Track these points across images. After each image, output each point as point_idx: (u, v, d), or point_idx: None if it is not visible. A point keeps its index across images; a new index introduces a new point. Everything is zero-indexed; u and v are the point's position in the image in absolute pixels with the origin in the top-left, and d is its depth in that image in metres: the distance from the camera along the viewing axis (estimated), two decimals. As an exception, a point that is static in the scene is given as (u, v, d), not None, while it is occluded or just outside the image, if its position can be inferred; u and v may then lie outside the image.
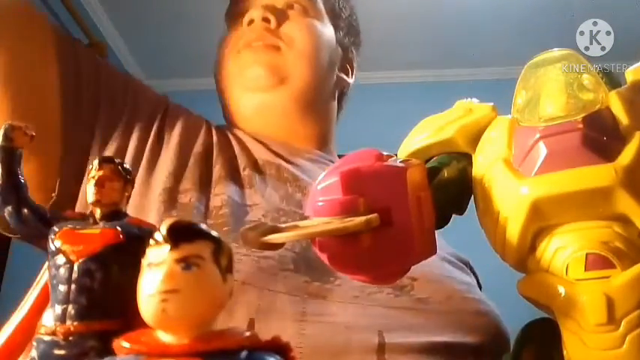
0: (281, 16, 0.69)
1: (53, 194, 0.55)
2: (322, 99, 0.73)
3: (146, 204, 0.56)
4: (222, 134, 0.68)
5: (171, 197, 0.56)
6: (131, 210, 0.30)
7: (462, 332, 0.51)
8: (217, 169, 0.61)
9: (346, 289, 0.51)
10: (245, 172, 0.61)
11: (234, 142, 0.66)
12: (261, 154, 0.65)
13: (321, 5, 0.74)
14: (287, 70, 0.68)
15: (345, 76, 0.79)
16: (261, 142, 0.67)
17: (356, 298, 0.50)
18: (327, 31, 0.73)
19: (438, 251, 0.34)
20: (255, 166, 0.63)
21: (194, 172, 0.59)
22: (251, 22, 0.69)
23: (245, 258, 0.50)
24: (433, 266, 0.56)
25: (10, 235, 0.29)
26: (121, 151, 0.61)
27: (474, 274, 0.66)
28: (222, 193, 0.57)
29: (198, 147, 0.63)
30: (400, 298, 0.52)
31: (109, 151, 0.61)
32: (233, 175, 0.61)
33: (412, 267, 0.55)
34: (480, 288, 0.64)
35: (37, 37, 0.60)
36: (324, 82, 0.72)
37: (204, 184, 0.59)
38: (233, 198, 0.57)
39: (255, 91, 0.68)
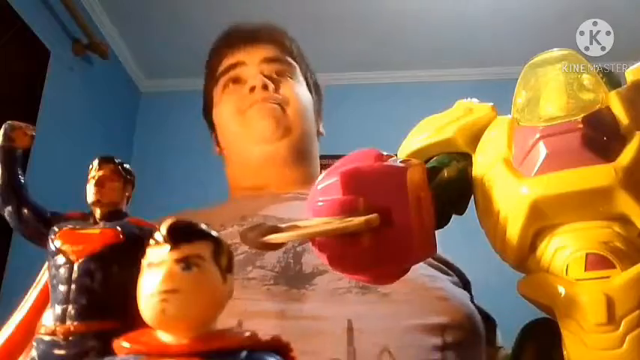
0: (276, 82, 0.85)
1: None
2: (313, 147, 0.89)
3: None
4: None
5: None
6: None
7: (428, 314, 0.56)
8: None
9: (320, 292, 0.58)
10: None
11: None
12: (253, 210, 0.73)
13: (299, 72, 0.91)
14: (288, 124, 0.82)
15: (320, 126, 0.96)
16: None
17: (329, 297, 0.58)
18: (307, 92, 0.91)
19: None
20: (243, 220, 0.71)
21: None
22: (252, 88, 0.82)
23: None
24: None
25: None
26: None
27: (457, 271, 0.68)
28: None
29: None
30: (367, 295, 0.58)
31: None
32: None
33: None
34: (467, 284, 0.68)
35: None
36: (312, 132, 0.88)
37: None
38: None
39: (264, 143, 0.81)
